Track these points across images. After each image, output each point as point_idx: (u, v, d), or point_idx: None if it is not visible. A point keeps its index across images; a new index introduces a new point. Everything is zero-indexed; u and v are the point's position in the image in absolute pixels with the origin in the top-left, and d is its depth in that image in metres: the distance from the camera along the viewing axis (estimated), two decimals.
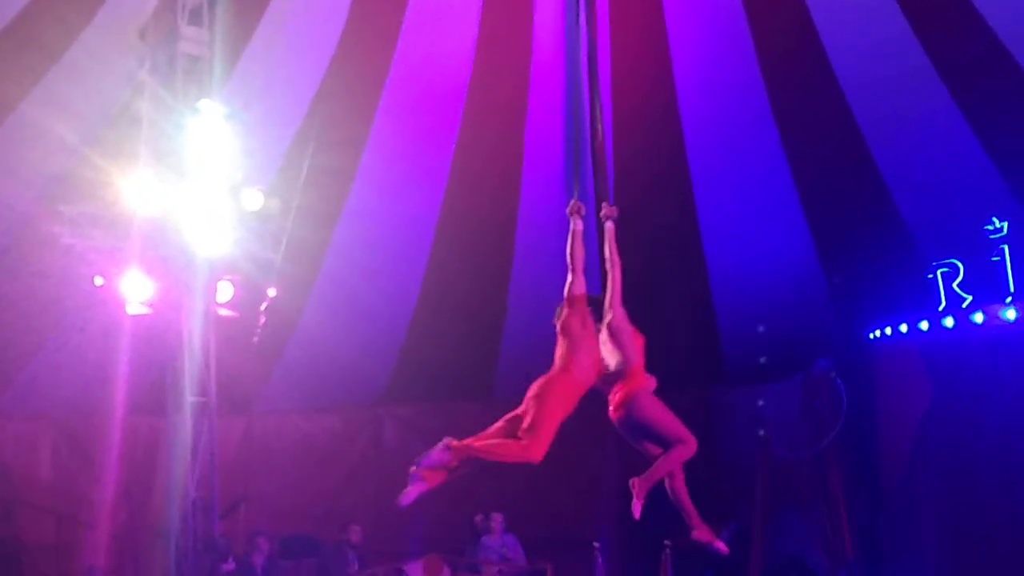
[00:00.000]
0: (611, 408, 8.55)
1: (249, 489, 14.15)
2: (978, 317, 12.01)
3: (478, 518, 14.53)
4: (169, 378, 12.10)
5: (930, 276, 12.33)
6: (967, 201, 12.47)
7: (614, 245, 9.04)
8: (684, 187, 13.60)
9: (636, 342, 8.81)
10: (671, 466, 8.51)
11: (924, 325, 12.38)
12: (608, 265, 8.95)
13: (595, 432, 15.30)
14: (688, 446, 8.45)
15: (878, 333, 12.99)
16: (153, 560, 12.92)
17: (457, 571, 13.74)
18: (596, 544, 12.90)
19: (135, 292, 11.26)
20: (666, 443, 8.52)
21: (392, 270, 14.08)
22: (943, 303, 12.21)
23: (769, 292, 14.03)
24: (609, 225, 9.17)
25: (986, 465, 12.18)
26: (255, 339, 13.09)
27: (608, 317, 8.71)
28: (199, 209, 11.19)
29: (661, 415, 8.58)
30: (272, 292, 12.39)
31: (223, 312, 11.94)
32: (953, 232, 12.47)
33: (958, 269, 12.16)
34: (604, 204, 9.39)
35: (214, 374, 12.21)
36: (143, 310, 11.39)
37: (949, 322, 12.18)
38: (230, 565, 12.13)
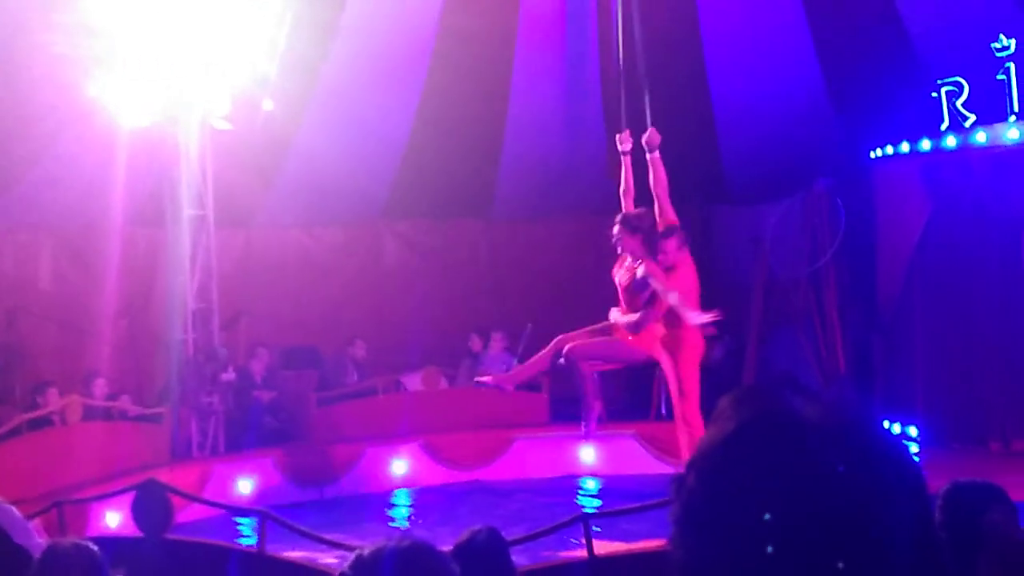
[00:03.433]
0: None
1: (249, 302, 14.29)
2: (980, 136, 11.92)
3: (473, 337, 14.65)
4: (166, 190, 12.13)
5: (934, 94, 12.18)
6: (974, 17, 12.24)
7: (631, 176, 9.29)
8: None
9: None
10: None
11: (926, 144, 12.30)
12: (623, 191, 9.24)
13: (590, 249, 15.50)
14: None
15: (879, 152, 12.92)
16: (155, 368, 13.15)
17: (455, 384, 13.98)
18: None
19: (130, 103, 11.17)
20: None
21: (390, 85, 13.92)
22: (946, 122, 12.09)
23: (771, 110, 13.89)
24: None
25: (983, 284, 12.28)
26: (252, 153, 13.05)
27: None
28: (191, 17, 11.02)
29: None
30: (269, 105, 12.27)
31: (219, 125, 11.87)
32: (959, 49, 12.27)
33: (962, 87, 12.01)
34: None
35: (211, 187, 12.22)
36: (139, 122, 11.32)
37: (951, 141, 12.09)
38: (230, 374, 12.33)
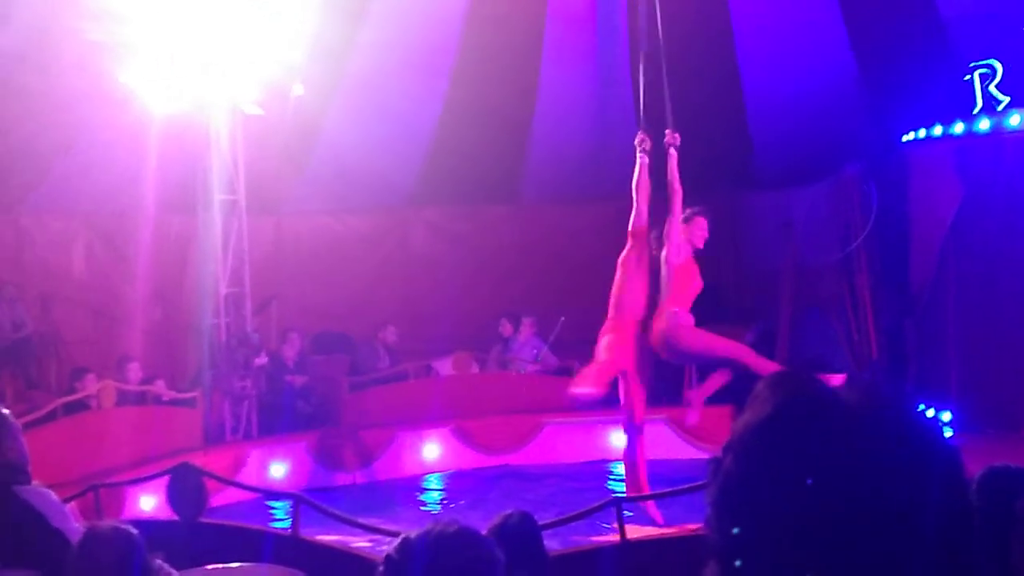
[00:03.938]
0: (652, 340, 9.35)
1: (280, 287, 14.35)
2: (1014, 119, 11.84)
3: (503, 322, 14.68)
4: (198, 177, 12.18)
5: (967, 77, 12.10)
6: None
7: (676, 174, 9.29)
8: None
9: (689, 280, 9.17)
10: (726, 379, 9.16)
11: (959, 127, 12.21)
12: (669, 192, 9.27)
13: (620, 235, 15.47)
14: (740, 363, 9.02)
15: (911, 135, 12.84)
16: (187, 353, 13.22)
17: (486, 369, 14.01)
18: None
19: (161, 90, 11.22)
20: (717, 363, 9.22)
21: (419, 71, 13.93)
22: (979, 105, 12.01)
23: (802, 93, 13.82)
24: (672, 153, 9.36)
25: (1016, 268, 12.18)
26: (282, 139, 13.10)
27: (666, 250, 9.24)
28: (222, 4, 11.06)
29: (703, 345, 9.20)
30: (299, 91, 12.30)
31: (250, 111, 11.91)
32: (992, 31, 12.17)
33: (996, 70, 11.91)
34: (667, 131, 9.52)
35: (242, 173, 12.26)
36: (170, 109, 11.37)
37: (984, 124, 12.00)
38: (263, 359, 12.37)
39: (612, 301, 9.63)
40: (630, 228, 9.62)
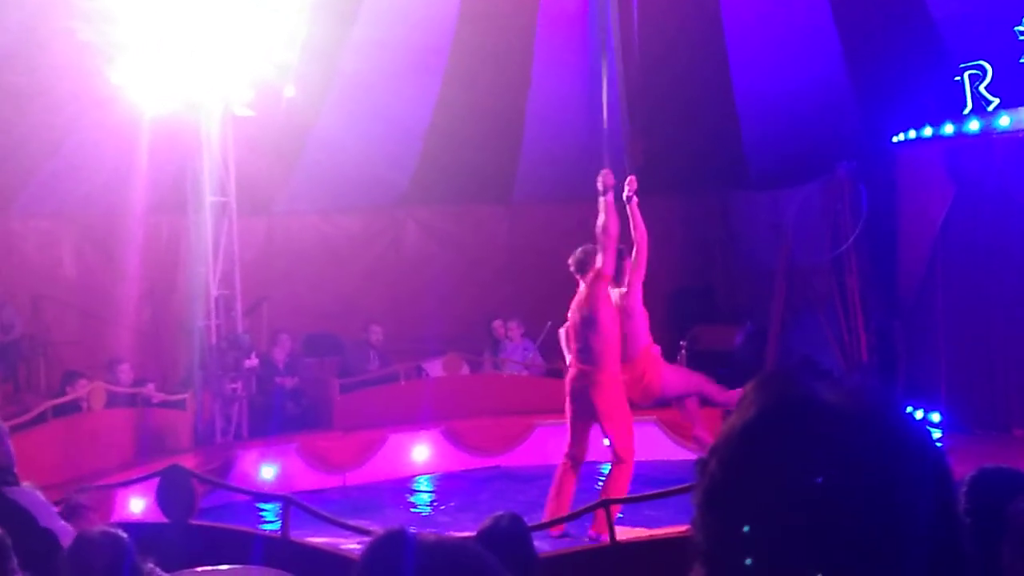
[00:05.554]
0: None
1: (270, 288, 14.33)
2: (1004, 120, 11.87)
3: (496, 323, 14.69)
4: (188, 177, 12.16)
5: (957, 78, 12.12)
6: (997, 0, 12.18)
7: (639, 221, 9.29)
8: None
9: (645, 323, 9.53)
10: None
11: (949, 128, 12.24)
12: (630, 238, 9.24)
13: None
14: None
15: (901, 136, 12.87)
16: (177, 355, 13.19)
17: (476, 370, 14.00)
18: None
19: (151, 90, 11.19)
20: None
21: (411, 71, 13.92)
22: (969, 106, 12.04)
23: (793, 94, 13.83)
24: (633, 200, 9.34)
25: (1006, 269, 12.22)
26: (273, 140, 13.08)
27: (623, 293, 9.20)
28: (213, 4, 11.04)
29: (676, 386, 9.27)
30: (290, 92, 12.27)
31: (240, 112, 11.88)
32: (982, 32, 12.20)
33: (985, 71, 11.94)
34: (629, 179, 9.49)
35: (233, 174, 12.24)
36: (160, 109, 11.35)
37: (974, 125, 12.04)
38: (253, 361, 12.34)
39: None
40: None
